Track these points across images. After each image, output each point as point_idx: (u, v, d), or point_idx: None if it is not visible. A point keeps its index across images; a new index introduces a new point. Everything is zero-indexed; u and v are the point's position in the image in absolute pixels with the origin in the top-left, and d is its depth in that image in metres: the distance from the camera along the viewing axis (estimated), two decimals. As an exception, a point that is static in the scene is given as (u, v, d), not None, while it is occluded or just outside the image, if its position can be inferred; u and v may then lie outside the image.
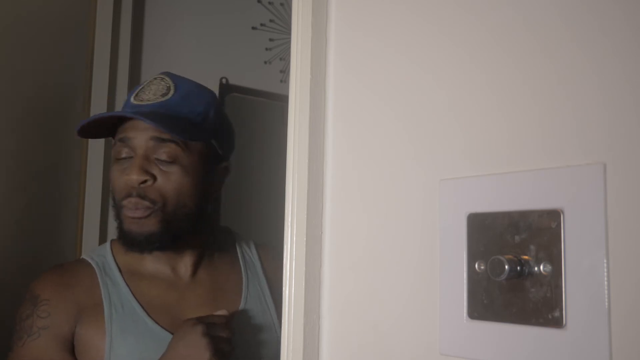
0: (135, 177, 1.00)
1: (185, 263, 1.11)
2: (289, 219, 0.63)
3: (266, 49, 2.23)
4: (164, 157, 1.02)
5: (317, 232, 0.63)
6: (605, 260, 0.41)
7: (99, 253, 1.11)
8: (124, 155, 1.03)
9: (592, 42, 0.44)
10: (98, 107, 1.71)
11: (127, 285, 1.06)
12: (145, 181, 1.00)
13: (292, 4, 0.68)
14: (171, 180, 1.02)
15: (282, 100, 2.15)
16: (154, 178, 1.01)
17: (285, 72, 2.26)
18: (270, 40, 2.24)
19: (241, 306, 1.10)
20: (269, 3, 2.25)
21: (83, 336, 1.01)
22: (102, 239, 1.72)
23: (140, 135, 1.02)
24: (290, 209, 0.63)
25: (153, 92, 1.06)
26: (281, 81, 2.24)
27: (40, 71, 1.36)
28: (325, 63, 0.66)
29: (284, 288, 0.63)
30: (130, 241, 1.03)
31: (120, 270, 1.08)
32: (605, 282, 0.41)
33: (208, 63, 2.07)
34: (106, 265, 1.08)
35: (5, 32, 1.20)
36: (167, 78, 1.08)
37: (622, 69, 0.42)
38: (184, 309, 1.06)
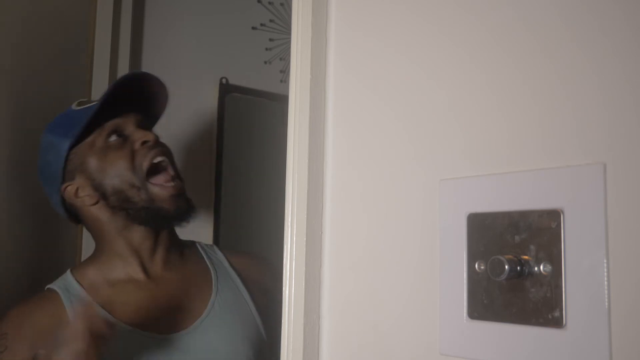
0: (145, 135, 1.09)
1: (155, 261, 1.12)
2: (289, 219, 0.63)
3: (266, 49, 2.23)
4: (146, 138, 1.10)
5: (317, 232, 0.63)
6: (605, 260, 0.41)
7: (60, 281, 1.09)
8: (114, 138, 1.10)
9: (592, 42, 0.44)
10: (98, 107, 1.71)
11: (93, 298, 1.04)
12: (155, 139, 1.10)
13: (292, 4, 0.68)
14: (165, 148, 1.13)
15: (282, 100, 2.14)
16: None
17: (285, 72, 2.26)
18: (270, 40, 2.24)
19: (213, 295, 1.11)
20: (269, 3, 2.25)
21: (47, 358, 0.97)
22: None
23: (129, 122, 1.13)
24: (290, 209, 0.63)
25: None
26: (281, 81, 2.24)
27: (39, 71, 1.36)
28: (325, 63, 0.66)
29: (284, 288, 0.63)
30: (168, 218, 1.09)
31: (83, 287, 1.06)
32: (605, 282, 0.41)
33: (208, 63, 2.06)
34: (69, 287, 1.06)
35: (5, 32, 1.20)
36: None
37: (622, 69, 0.42)
38: (156, 307, 1.06)
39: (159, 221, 1.10)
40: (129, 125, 1.11)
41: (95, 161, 1.09)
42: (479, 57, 0.51)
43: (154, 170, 1.09)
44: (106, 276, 1.10)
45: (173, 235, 1.18)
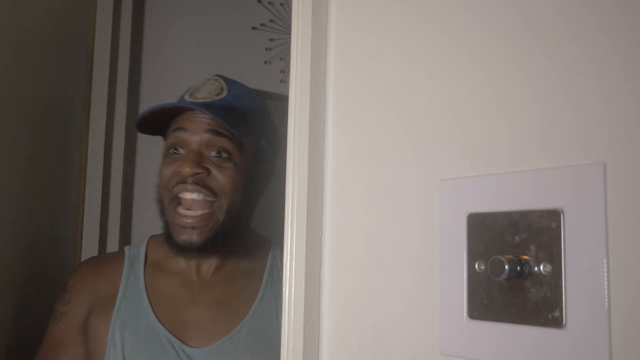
0: (188, 169, 0.97)
1: (209, 264, 1.09)
2: (289, 219, 0.63)
3: (266, 49, 2.23)
4: (217, 153, 1.00)
5: (317, 232, 0.63)
6: (605, 260, 0.41)
7: (137, 245, 1.13)
8: (175, 150, 1.01)
9: (592, 42, 0.44)
10: (98, 107, 1.71)
11: (145, 281, 1.07)
12: (198, 174, 0.98)
13: (292, 4, 0.68)
14: (226, 176, 1.00)
15: (282, 100, 2.14)
16: (208, 171, 0.99)
17: (285, 72, 2.26)
18: (270, 40, 2.24)
19: (245, 320, 1.06)
20: (269, 3, 2.25)
21: (92, 325, 1.05)
22: (102, 240, 1.72)
23: (197, 128, 1.00)
24: (290, 209, 0.63)
25: (207, 91, 1.06)
26: (281, 81, 2.24)
27: (39, 71, 1.36)
28: (325, 63, 0.66)
29: (284, 288, 0.63)
30: (178, 248, 1.01)
31: (145, 265, 1.09)
32: (605, 282, 0.41)
33: (208, 63, 2.06)
34: (136, 259, 1.10)
35: (4, 32, 1.20)
36: (220, 79, 1.10)
37: (622, 69, 0.42)
38: (191, 311, 1.06)
39: (171, 246, 1.03)
40: (192, 141, 1.01)
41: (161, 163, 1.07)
42: (479, 57, 0.51)
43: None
44: (167, 260, 1.10)
45: (242, 238, 1.12)
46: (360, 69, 0.62)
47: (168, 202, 1.02)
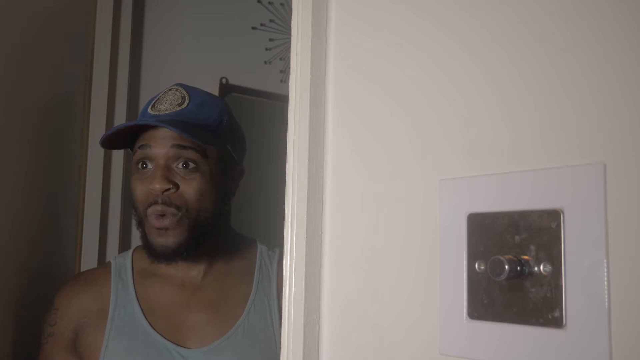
0: (158, 186, 1.02)
1: (198, 268, 1.12)
2: (289, 219, 0.63)
3: (266, 49, 2.23)
4: (184, 164, 1.04)
5: (317, 232, 0.63)
6: (605, 260, 0.41)
7: (122, 255, 1.16)
8: (144, 164, 1.06)
9: (592, 42, 0.44)
10: (98, 108, 1.72)
11: (135, 289, 1.10)
12: (168, 189, 1.03)
13: (292, 4, 0.68)
14: (193, 187, 1.04)
15: (282, 100, 2.14)
16: (177, 186, 1.04)
17: (285, 72, 2.26)
18: (270, 40, 2.24)
19: (241, 320, 1.08)
20: (269, 3, 2.25)
21: (85, 340, 1.07)
22: (102, 241, 1.72)
23: (161, 144, 1.04)
24: (290, 209, 0.63)
25: (169, 102, 1.09)
26: (281, 81, 2.24)
27: (39, 71, 1.36)
28: (325, 63, 0.66)
29: (284, 288, 0.63)
30: (156, 253, 1.05)
31: (133, 274, 1.12)
32: (605, 282, 0.41)
33: (208, 63, 2.06)
34: (122, 269, 1.12)
35: (4, 33, 1.20)
36: (180, 88, 1.12)
37: (622, 69, 0.42)
38: (185, 315, 1.08)
39: (150, 253, 1.06)
40: (159, 156, 1.05)
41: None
42: (479, 57, 0.51)
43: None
44: (155, 268, 1.12)
45: (228, 240, 1.16)
46: (360, 69, 0.62)
47: (143, 216, 1.06)
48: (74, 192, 1.65)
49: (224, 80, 2.08)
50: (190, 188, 1.04)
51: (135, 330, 1.05)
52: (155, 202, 1.03)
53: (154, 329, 1.05)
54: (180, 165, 1.04)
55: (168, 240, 1.03)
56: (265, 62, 2.23)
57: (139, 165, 1.06)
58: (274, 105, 2.17)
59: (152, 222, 1.03)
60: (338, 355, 0.60)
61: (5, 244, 1.20)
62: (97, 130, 1.70)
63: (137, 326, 1.05)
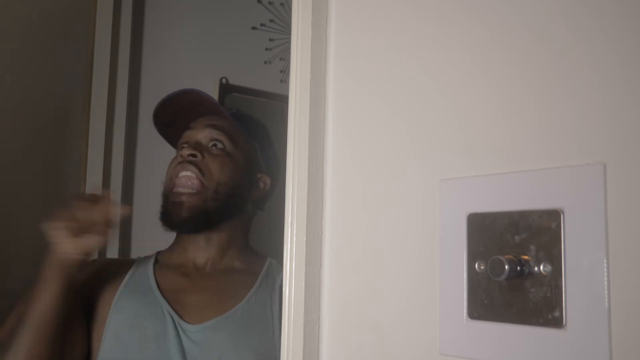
0: (186, 151, 1.16)
1: (207, 257, 1.20)
2: (289, 219, 0.63)
3: (266, 49, 2.23)
4: (214, 143, 1.19)
5: (317, 232, 0.63)
6: (605, 260, 0.41)
7: (146, 258, 1.25)
8: (183, 144, 1.20)
9: (592, 42, 0.44)
10: (98, 108, 1.71)
11: (153, 270, 1.18)
12: (194, 155, 1.16)
13: (292, 4, 0.68)
14: (217, 161, 1.18)
15: (282, 100, 2.14)
16: (202, 155, 1.17)
17: (285, 72, 2.26)
18: (270, 40, 2.24)
19: (241, 304, 1.13)
20: (269, 3, 2.25)
21: (97, 293, 1.13)
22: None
23: (200, 125, 1.21)
24: (290, 209, 0.63)
25: None
26: (281, 81, 2.24)
27: (40, 71, 1.36)
28: (325, 63, 0.66)
29: (284, 288, 0.63)
30: (171, 221, 1.16)
31: (154, 267, 1.20)
32: (605, 282, 0.41)
33: (208, 63, 2.06)
34: (146, 262, 1.21)
35: (5, 33, 1.20)
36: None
37: (622, 69, 0.42)
38: (190, 294, 1.14)
39: (164, 221, 1.17)
40: (193, 136, 1.21)
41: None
42: (479, 57, 0.51)
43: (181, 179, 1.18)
44: (169, 257, 1.22)
45: (241, 244, 1.24)
46: (360, 69, 0.62)
47: (168, 188, 1.18)
48: (74, 192, 1.65)
49: (224, 80, 2.08)
50: (214, 161, 1.18)
51: (146, 294, 1.12)
52: (182, 162, 1.16)
53: (164, 297, 1.12)
54: (211, 144, 1.19)
55: (184, 210, 1.14)
56: (265, 62, 2.23)
57: (180, 146, 1.20)
58: (274, 105, 2.17)
59: (178, 183, 1.15)
60: (338, 355, 0.60)
61: (6, 244, 1.20)
62: (97, 130, 1.70)
63: (149, 291, 1.12)
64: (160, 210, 1.19)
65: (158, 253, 1.25)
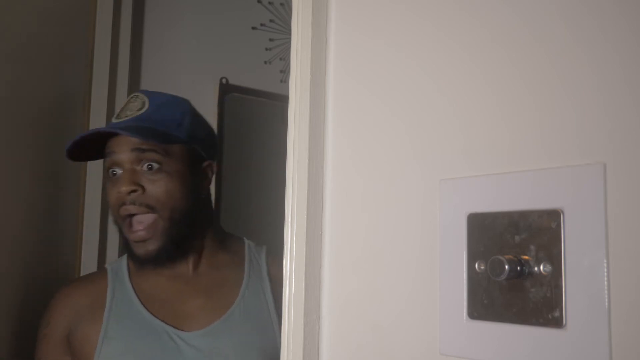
0: (124, 188, 1.06)
1: (187, 264, 1.16)
2: (289, 219, 0.63)
3: (266, 49, 2.23)
4: (148, 166, 1.08)
5: (317, 232, 0.63)
6: (605, 260, 0.41)
7: (117, 261, 1.21)
8: (113, 171, 1.11)
9: (592, 42, 0.44)
10: (98, 108, 1.71)
11: (131, 283, 1.14)
12: (134, 191, 1.07)
13: (292, 4, 0.68)
14: (159, 187, 1.08)
15: (282, 100, 2.14)
16: (143, 188, 1.08)
17: (285, 72, 2.26)
18: (270, 40, 2.24)
19: (236, 303, 1.12)
20: (269, 3, 2.25)
21: (79, 332, 1.10)
22: (102, 241, 1.72)
23: (123, 149, 1.09)
24: (290, 209, 0.63)
25: (130, 109, 1.14)
26: (281, 81, 2.24)
27: (39, 71, 1.36)
28: (325, 63, 0.66)
29: (284, 288, 0.63)
30: (140, 261, 1.10)
31: (129, 272, 1.16)
32: (605, 282, 0.41)
33: (208, 63, 2.06)
34: (118, 269, 1.17)
35: (5, 33, 1.20)
36: (141, 94, 1.17)
37: (622, 69, 0.42)
38: (181, 302, 1.12)
39: (134, 261, 1.12)
40: (123, 161, 1.09)
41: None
42: (479, 57, 0.51)
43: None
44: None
45: (215, 236, 1.20)
46: (360, 69, 0.62)
47: (122, 224, 1.10)
48: (74, 194, 1.65)
49: (224, 80, 2.09)
50: (157, 188, 1.08)
51: (133, 317, 1.08)
52: (124, 204, 1.07)
53: (151, 314, 1.09)
54: (145, 168, 1.08)
55: (148, 247, 1.08)
56: (265, 62, 2.23)
57: (110, 173, 1.11)
58: (274, 105, 2.17)
59: (127, 233, 1.08)
60: (338, 355, 0.60)
61: (4, 245, 1.20)
62: (97, 130, 1.70)
63: (135, 313, 1.09)
64: (123, 244, 1.14)
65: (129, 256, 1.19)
